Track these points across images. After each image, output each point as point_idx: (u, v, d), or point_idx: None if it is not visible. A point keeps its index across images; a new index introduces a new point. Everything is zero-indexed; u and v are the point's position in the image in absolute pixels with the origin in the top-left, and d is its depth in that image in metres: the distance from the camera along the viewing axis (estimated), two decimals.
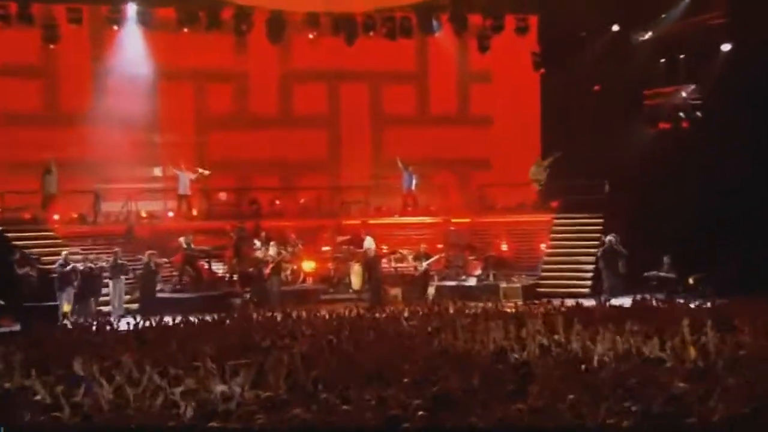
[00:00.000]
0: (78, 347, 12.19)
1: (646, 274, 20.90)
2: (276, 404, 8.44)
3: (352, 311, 16.20)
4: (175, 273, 21.30)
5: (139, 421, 8.20)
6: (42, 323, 15.05)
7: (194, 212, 23.89)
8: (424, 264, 21.75)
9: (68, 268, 18.73)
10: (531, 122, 25.98)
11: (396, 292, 21.14)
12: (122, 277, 19.54)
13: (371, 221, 24.26)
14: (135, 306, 19.70)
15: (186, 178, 23.31)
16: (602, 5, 22.82)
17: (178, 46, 23.89)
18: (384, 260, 21.94)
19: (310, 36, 24.11)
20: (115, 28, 23.26)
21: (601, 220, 22.87)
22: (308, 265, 22.24)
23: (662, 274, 21.07)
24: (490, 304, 16.81)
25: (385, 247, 22.84)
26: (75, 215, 22.85)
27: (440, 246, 23.30)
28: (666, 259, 21.22)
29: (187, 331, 14.08)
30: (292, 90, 26.33)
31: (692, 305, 16.24)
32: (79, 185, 23.09)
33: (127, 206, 23.33)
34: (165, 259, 21.14)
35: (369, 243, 21.42)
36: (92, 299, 19.09)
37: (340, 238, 23.24)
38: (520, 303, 17.88)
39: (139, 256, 20.24)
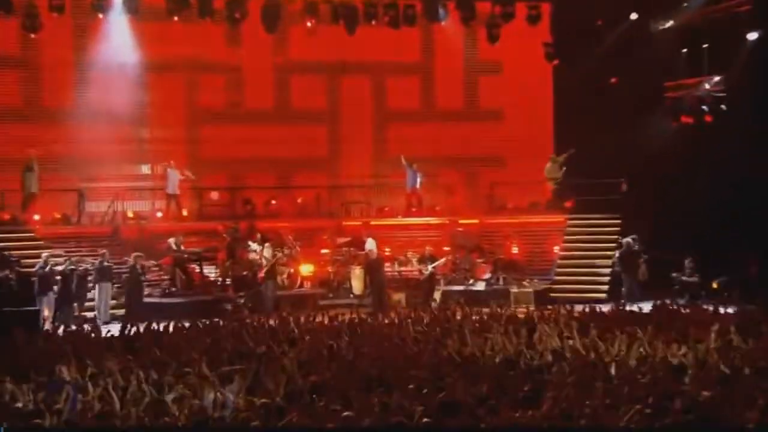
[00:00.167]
0: (60, 354, 12.20)
1: (673, 274, 20.88)
2: (273, 411, 8.47)
3: (353, 317, 16.18)
4: (164, 277, 21.30)
5: (126, 427, 8.20)
6: (22, 329, 15.01)
7: (184, 212, 23.89)
8: (430, 267, 21.75)
9: (49, 270, 18.70)
10: (543, 117, 26.03)
11: (399, 297, 21.17)
12: (109, 281, 19.48)
13: (373, 222, 24.27)
14: (121, 312, 19.70)
15: (175, 177, 23.31)
16: None
17: (167, 36, 23.89)
18: (387, 263, 21.94)
19: (308, 25, 24.07)
20: (100, 16, 23.26)
21: (618, 221, 22.94)
22: (306, 269, 22.24)
23: (684, 278, 21.07)
24: (500, 310, 16.78)
25: (387, 249, 22.85)
26: (57, 215, 22.85)
27: (446, 248, 23.31)
28: (688, 263, 21.24)
29: (177, 337, 14.05)
30: (289, 83, 26.33)
31: (717, 310, 16.21)
32: (62, 184, 23.12)
33: (113, 206, 23.32)
34: (153, 262, 21.15)
35: (371, 245, 21.43)
36: (76, 304, 19.06)
37: (340, 240, 23.24)
38: (532, 308, 17.85)
39: (126, 259, 20.26)
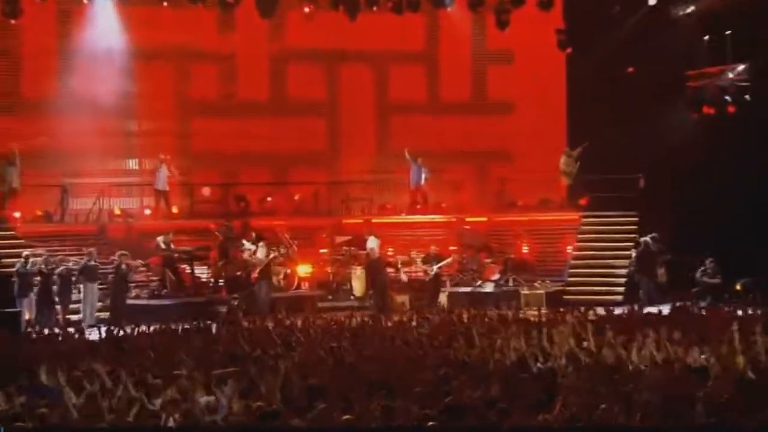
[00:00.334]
0: (42, 356, 12.23)
1: (696, 276, 20.87)
2: (268, 415, 8.51)
3: (354, 319, 16.21)
4: (153, 277, 21.32)
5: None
6: (1, 331, 15.05)
7: (174, 210, 23.93)
8: (435, 268, 21.78)
9: (29, 270, 18.72)
10: (556, 108, 26.03)
11: (403, 299, 21.20)
12: (95, 281, 19.49)
13: (375, 220, 24.26)
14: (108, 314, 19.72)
15: (164, 172, 23.35)
16: None
17: (156, 22, 23.99)
18: (389, 264, 21.88)
19: (306, 10, 24.14)
20: (85, 1, 23.32)
21: (635, 219, 22.98)
22: (304, 269, 22.28)
23: (706, 279, 21.09)
24: (511, 314, 16.80)
25: (390, 249, 22.83)
26: (39, 213, 22.93)
27: (453, 248, 23.34)
28: (709, 263, 21.24)
29: (167, 340, 14.09)
30: (285, 72, 26.36)
31: (741, 312, 16.22)
32: (45, 179, 23.16)
33: (98, 203, 23.37)
34: (141, 262, 21.18)
35: (372, 244, 21.45)
36: (59, 307, 19.07)
37: (339, 240, 23.29)
38: (544, 311, 17.88)
39: (113, 259, 20.26)
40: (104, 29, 23.96)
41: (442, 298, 21.25)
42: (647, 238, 21.71)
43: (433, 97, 27.11)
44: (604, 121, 23.50)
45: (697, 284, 21.17)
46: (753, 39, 22.68)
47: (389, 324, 15.87)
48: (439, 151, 25.42)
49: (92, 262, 19.60)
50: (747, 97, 22.83)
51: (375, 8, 23.91)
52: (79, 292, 19.61)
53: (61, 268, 19.40)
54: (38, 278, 19.00)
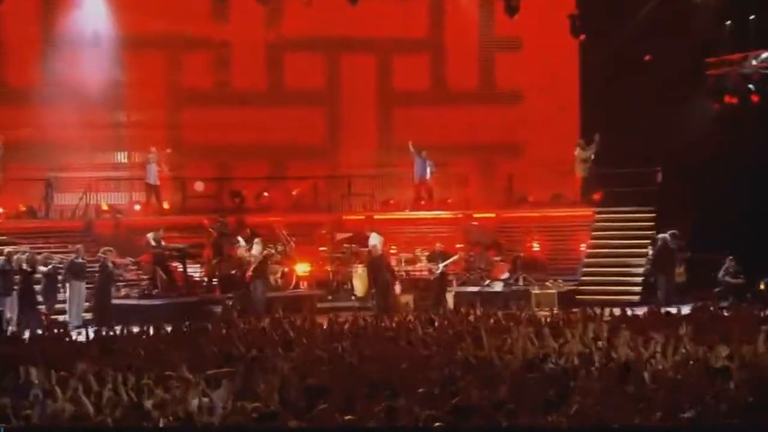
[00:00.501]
0: (25, 357, 12.27)
1: (718, 275, 20.87)
2: (266, 416, 8.56)
3: (355, 320, 16.24)
4: (143, 276, 21.34)
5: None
6: None
7: (165, 205, 23.97)
8: (441, 266, 21.79)
9: (12, 268, 18.73)
10: (568, 99, 26.04)
11: (407, 299, 21.20)
12: (82, 280, 19.50)
13: (377, 216, 24.28)
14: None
15: (155, 166, 23.37)
16: None
17: (145, 8, 24.00)
18: (393, 262, 21.91)
19: None
20: None
21: (652, 215, 22.97)
22: (302, 268, 22.29)
23: (728, 279, 21.09)
24: (520, 313, 16.81)
25: (393, 246, 22.83)
26: (23, 208, 22.99)
27: (459, 246, 23.34)
28: (729, 261, 21.23)
29: (158, 340, 14.14)
30: (282, 61, 26.41)
31: (765, 312, 16.25)
32: (28, 173, 23.20)
33: (85, 198, 23.41)
34: (130, 259, 21.19)
35: (375, 240, 21.44)
36: (44, 306, 19.08)
37: (340, 237, 23.28)
38: (556, 312, 17.88)
39: (100, 256, 20.22)
40: (91, 15, 24.04)
41: (448, 298, 21.22)
42: (665, 235, 21.69)
43: (439, 86, 27.11)
44: (619, 112, 23.53)
45: (719, 284, 21.15)
46: None
47: (393, 325, 15.85)
48: (444, 143, 25.43)
49: (79, 260, 19.58)
50: None
51: None
52: (65, 292, 19.56)
53: (49, 267, 19.36)
54: (19, 277, 18.93)
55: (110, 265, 19.85)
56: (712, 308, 17.14)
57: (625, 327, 13.48)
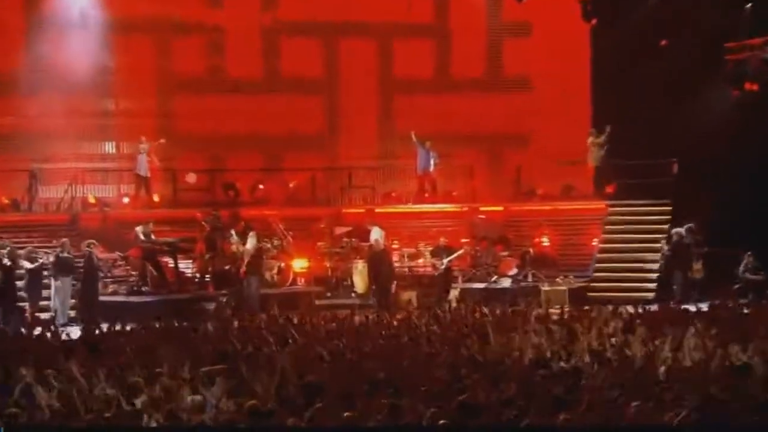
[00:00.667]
0: (10, 355, 12.33)
1: (739, 271, 20.87)
2: (262, 414, 8.60)
3: (355, 317, 16.29)
4: (132, 272, 21.36)
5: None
6: None
7: (156, 198, 23.99)
8: (445, 262, 21.82)
9: None
10: (579, 86, 26.09)
11: (409, 295, 21.24)
12: (68, 275, 19.51)
13: (378, 210, 24.36)
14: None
15: (145, 156, 23.37)
16: None
17: None
18: (395, 257, 21.94)
19: None
20: None
21: (668, 209, 22.95)
22: (299, 264, 22.31)
23: (748, 275, 21.11)
24: (532, 312, 16.86)
25: (396, 241, 22.83)
26: (5, 201, 23.04)
27: (465, 240, 23.35)
28: (748, 257, 21.26)
29: (148, 337, 14.19)
30: (279, 46, 26.45)
31: None
32: (12, 164, 23.29)
33: (71, 190, 23.44)
34: (118, 254, 21.20)
35: (376, 236, 21.46)
36: (27, 304, 19.12)
37: (339, 231, 23.33)
38: (567, 309, 17.89)
39: (86, 250, 20.22)
40: None
41: (453, 295, 21.23)
42: (681, 230, 21.71)
43: (443, 73, 27.16)
44: (633, 100, 23.56)
45: (739, 280, 21.17)
46: None
47: (394, 322, 15.90)
48: (449, 133, 25.46)
49: (65, 254, 19.58)
50: None
51: None
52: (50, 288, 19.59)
53: (36, 264, 19.36)
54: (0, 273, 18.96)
55: (96, 259, 19.83)
56: (731, 306, 17.16)
57: (640, 323, 13.52)
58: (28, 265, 19.40)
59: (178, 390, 9.89)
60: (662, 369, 10.82)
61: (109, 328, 15.41)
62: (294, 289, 21.93)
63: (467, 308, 17.18)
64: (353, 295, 21.80)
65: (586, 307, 17.40)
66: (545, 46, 26.28)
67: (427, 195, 25.02)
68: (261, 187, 25.40)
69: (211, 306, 19.83)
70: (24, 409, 9.27)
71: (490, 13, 27.01)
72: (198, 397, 9.62)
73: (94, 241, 20.14)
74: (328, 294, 22.01)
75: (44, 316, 19.00)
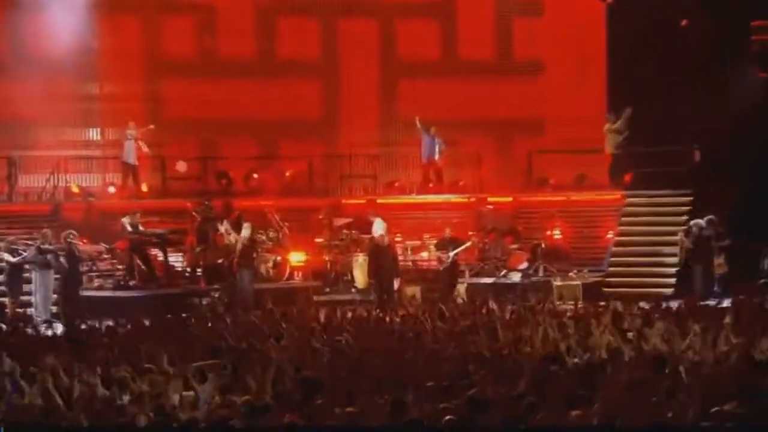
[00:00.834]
0: None
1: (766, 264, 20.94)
2: (257, 409, 8.66)
3: (356, 313, 16.36)
4: (118, 265, 21.40)
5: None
6: None
7: (144, 187, 24.04)
8: (451, 255, 21.84)
9: None
10: (594, 69, 26.04)
11: (413, 291, 21.26)
12: (50, 268, 19.54)
13: (380, 200, 24.45)
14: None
15: (133, 143, 23.38)
16: None
17: None
18: (398, 250, 21.96)
19: None
20: None
21: (689, 199, 22.94)
22: (297, 257, 22.33)
23: None
24: (540, 306, 16.90)
25: (399, 234, 22.86)
26: None
27: (472, 233, 23.38)
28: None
29: (135, 331, 14.26)
30: (274, 26, 26.50)
31: None
32: None
33: (52, 179, 23.49)
34: (104, 246, 21.23)
35: (378, 228, 21.49)
36: (8, 298, 19.18)
37: (338, 222, 23.36)
38: (580, 305, 17.94)
39: (70, 242, 20.23)
40: None
41: (460, 290, 21.26)
42: (701, 221, 21.70)
43: (449, 55, 27.15)
44: (651, 84, 23.52)
45: (762, 275, 21.18)
46: None
47: (397, 319, 15.95)
48: (455, 119, 25.43)
49: (46, 246, 19.60)
50: None
51: None
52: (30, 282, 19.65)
53: (17, 258, 19.38)
54: None
55: (76, 251, 19.82)
56: (756, 301, 17.17)
57: (659, 317, 13.57)
58: (8, 257, 19.42)
59: (166, 385, 9.96)
60: (683, 364, 10.86)
61: (94, 324, 15.47)
62: (291, 284, 21.93)
63: (475, 305, 17.15)
64: (353, 290, 21.85)
65: (602, 303, 17.44)
66: (558, 26, 26.26)
67: (432, 184, 25.07)
68: (255, 176, 25.44)
69: (203, 301, 19.90)
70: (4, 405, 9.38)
71: None
72: (189, 393, 9.73)
73: (73, 231, 20.11)
74: (327, 289, 22.04)
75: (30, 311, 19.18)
